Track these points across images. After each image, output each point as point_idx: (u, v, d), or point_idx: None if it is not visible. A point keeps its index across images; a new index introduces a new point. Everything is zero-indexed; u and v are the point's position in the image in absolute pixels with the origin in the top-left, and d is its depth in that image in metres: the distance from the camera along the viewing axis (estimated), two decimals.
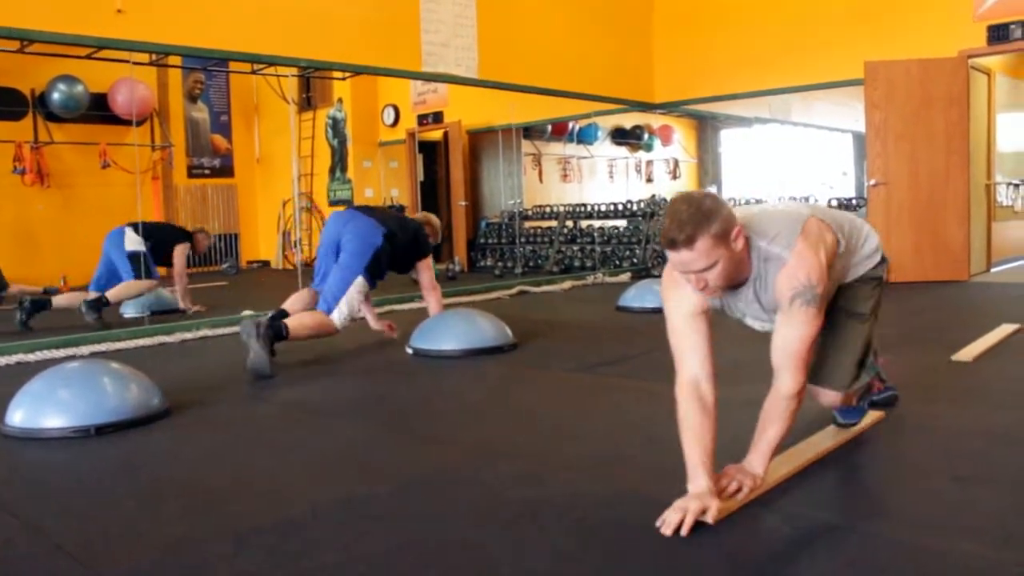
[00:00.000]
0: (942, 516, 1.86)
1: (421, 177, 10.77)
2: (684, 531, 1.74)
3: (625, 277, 8.21)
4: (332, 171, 11.09)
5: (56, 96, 8.98)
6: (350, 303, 4.09)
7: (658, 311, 2.18)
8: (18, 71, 8.62)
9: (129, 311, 6.07)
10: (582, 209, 10.00)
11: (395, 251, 4.30)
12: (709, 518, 1.78)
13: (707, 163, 13.34)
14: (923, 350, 3.88)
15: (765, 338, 2.04)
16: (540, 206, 10.44)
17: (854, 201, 8.63)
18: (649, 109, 9.24)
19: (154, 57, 6.62)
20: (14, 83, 8.91)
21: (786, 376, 1.95)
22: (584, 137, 11.43)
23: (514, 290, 7.31)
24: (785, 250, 1.92)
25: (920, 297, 5.97)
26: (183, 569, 1.73)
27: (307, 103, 11.05)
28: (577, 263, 9.36)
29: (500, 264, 9.64)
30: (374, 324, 4.73)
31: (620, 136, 12.07)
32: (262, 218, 11.51)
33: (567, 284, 7.84)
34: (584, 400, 3.26)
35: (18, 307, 5.39)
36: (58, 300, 5.59)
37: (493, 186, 10.67)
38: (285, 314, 4.21)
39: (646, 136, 12.25)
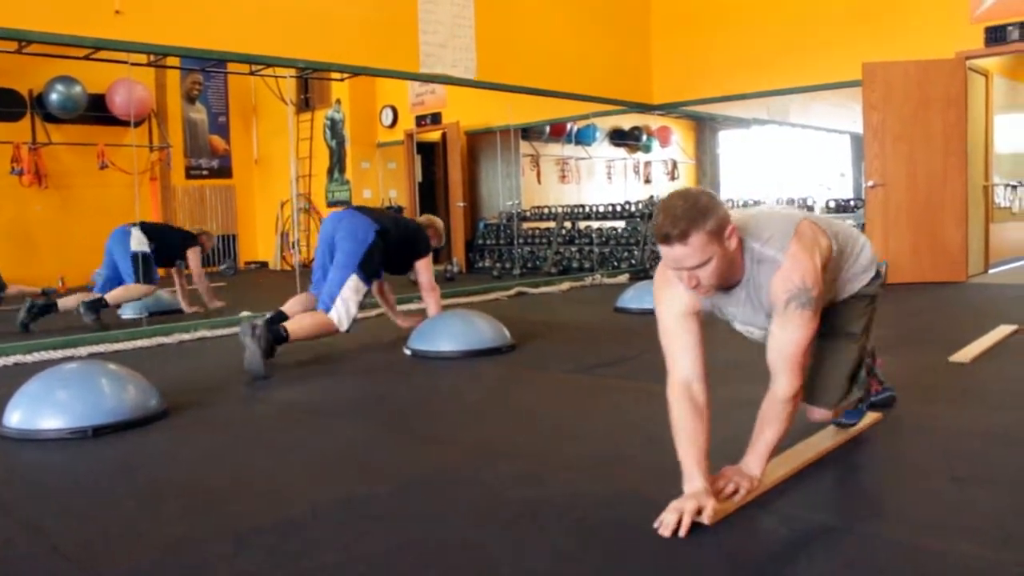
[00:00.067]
0: (941, 517, 1.86)
1: (419, 178, 10.78)
2: (682, 532, 1.74)
3: (623, 278, 8.21)
4: (330, 172, 11.09)
5: (54, 97, 8.97)
6: (347, 301, 4.09)
7: None
8: (16, 72, 8.61)
9: (127, 312, 6.07)
10: (580, 210, 10.00)
11: (390, 248, 4.30)
12: (705, 519, 1.78)
13: (705, 164, 13.37)
14: (921, 351, 3.89)
15: None
16: (538, 207, 10.45)
17: (852, 203, 8.64)
18: (647, 110, 9.25)
19: (152, 58, 6.62)
20: (12, 84, 8.90)
21: (782, 379, 1.95)
22: (582, 138, 11.44)
23: (512, 291, 7.32)
24: (779, 252, 1.91)
25: (918, 298, 5.98)
26: (183, 569, 1.72)
27: (305, 104, 11.05)
28: (575, 264, 9.37)
29: (498, 265, 9.64)
30: (401, 322, 4.74)
31: (618, 137, 12.08)
32: (260, 219, 11.51)
33: (565, 285, 7.84)
34: (583, 401, 3.26)
35: (28, 312, 5.37)
36: (64, 303, 5.59)
37: (491, 187, 10.68)
38: (283, 316, 4.22)
39: (644, 137, 12.26)
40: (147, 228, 5.93)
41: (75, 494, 2.26)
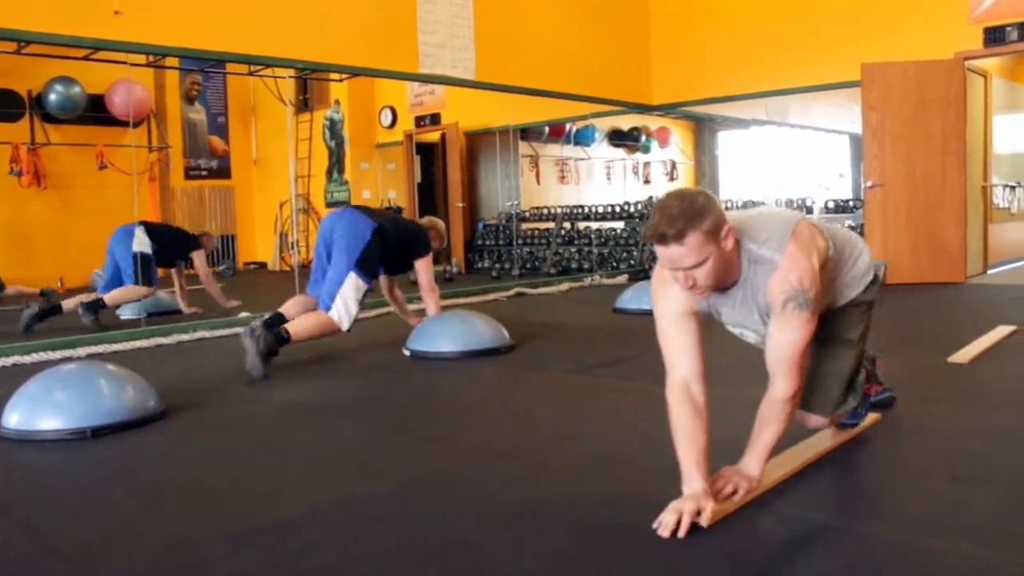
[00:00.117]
0: (940, 517, 1.86)
1: (418, 179, 10.77)
2: (681, 532, 1.74)
3: (622, 279, 8.22)
4: (329, 173, 11.09)
5: (53, 97, 8.97)
6: (346, 300, 4.08)
7: None
8: (15, 72, 8.60)
9: (126, 313, 6.07)
10: (579, 211, 10.00)
11: (388, 247, 4.29)
12: (703, 520, 1.78)
13: (704, 165, 13.36)
14: (920, 351, 3.89)
15: None
16: (537, 208, 10.45)
17: (851, 203, 8.65)
18: (646, 111, 9.26)
19: (151, 58, 6.62)
20: (11, 84, 8.89)
21: (781, 380, 1.95)
22: (581, 139, 11.43)
23: (511, 292, 7.32)
24: (776, 253, 1.90)
25: (917, 298, 5.99)
26: (182, 569, 1.72)
27: (304, 105, 11.05)
28: (574, 265, 9.37)
29: (497, 266, 9.64)
30: (413, 322, 4.74)
31: (617, 138, 12.08)
32: (259, 220, 11.50)
33: (564, 286, 7.84)
34: (582, 401, 3.26)
35: (35, 315, 5.36)
36: (68, 304, 5.58)
37: (490, 188, 10.68)
38: (282, 318, 4.20)
39: (643, 138, 12.25)
40: (150, 228, 5.93)
41: (74, 494, 2.26)
